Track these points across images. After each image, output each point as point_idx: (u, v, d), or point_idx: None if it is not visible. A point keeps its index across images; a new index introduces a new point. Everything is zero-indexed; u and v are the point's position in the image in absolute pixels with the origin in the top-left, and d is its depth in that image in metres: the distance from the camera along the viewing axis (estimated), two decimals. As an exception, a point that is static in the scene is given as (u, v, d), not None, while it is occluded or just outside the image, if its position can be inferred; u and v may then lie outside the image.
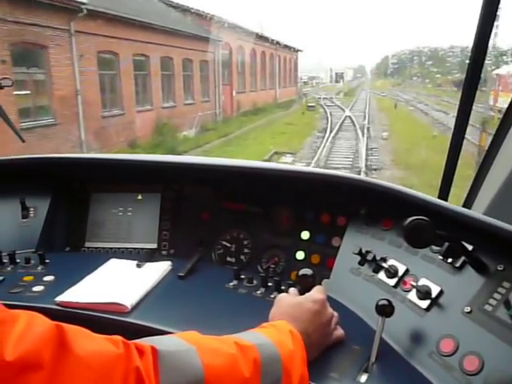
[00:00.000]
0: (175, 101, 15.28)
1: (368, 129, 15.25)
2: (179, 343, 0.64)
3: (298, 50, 32.88)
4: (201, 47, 16.39)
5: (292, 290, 0.95)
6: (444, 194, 1.25)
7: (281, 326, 0.79)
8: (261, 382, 0.68)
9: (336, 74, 55.06)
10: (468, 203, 1.25)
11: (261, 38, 22.41)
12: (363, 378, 0.80)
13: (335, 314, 0.90)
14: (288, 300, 0.88)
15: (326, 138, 13.67)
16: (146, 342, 0.60)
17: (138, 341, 0.59)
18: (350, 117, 18.76)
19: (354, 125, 16.41)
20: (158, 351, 0.58)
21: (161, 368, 0.56)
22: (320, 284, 0.99)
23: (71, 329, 0.52)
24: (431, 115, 18.57)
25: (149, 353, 0.57)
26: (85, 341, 0.52)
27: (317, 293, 0.89)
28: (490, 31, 0.90)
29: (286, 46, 28.68)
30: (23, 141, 1.43)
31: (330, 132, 14.92)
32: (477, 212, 1.14)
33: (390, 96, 32.01)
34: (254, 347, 0.69)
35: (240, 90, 20.73)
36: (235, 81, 20.03)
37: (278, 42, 25.74)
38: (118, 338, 0.57)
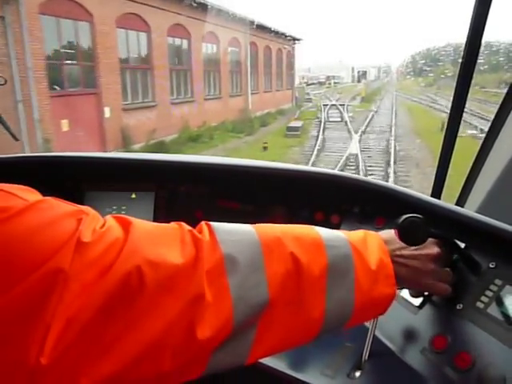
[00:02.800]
0: None
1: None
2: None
3: (296, 39, 22.38)
4: None
5: None
6: (437, 192, 1.25)
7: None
8: (326, 251, 0.64)
9: (358, 72, 50.94)
10: (461, 201, 1.26)
11: (205, 8, 12.48)
12: (356, 374, 0.81)
13: (450, 272, 0.79)
14: None
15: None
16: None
17: None
18: (356, 158, 9.06)
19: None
20: (211, 223, 0.62)
21: (216, 231, 0.59)
22: None
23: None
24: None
25: (203, 223, 0.62)
26: (138, 220, 0.57)
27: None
28: (483, 28, 0.91)
29: (270, 31, 18.13)
30: (17, 139, 1.42)
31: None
32: (470, 210, 1.15)
33: (423, 101, 21.53)
34: (311, 227, 0.68)
35: (135, 102, 11.33)
36: (107, 85, 10.10)
37: (252, 22, 15.74)
38: None
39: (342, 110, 18.79)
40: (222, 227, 0.61)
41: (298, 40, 22.86)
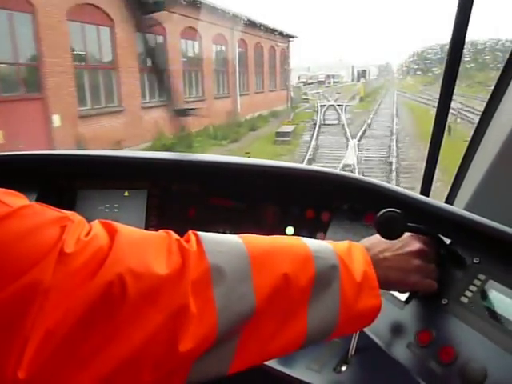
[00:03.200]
0: None
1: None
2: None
3: (290, 37, 21.02)
4: None
5: None
6: (426, 189, 1.27)
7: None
8: (314, 263, 0.64)
9: (358, 71, 49.52)
10: (450, 198, 1.27)
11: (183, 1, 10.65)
12: (342, 368, 0.82)
13: (435, 267, 0.80)
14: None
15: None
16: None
17: None
18: (352, 170, 7.81)
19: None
20: (199, 233, 0.61)
21: (204, 241, 0.59)
22: None
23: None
24: None
25: (190, 233, 0.61)
26: (125, 227, 0.57)
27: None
28: (467, 26, 0.92)
29: (261, 27, 16.53)
30: None
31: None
32: (458, 207, 1.16)
33: (425, 101, 19.69)
34: (299, 238, 0.68)
35: (96, 107, 9.71)
36: (57, 89, 8.59)
37: (239, 18, 14.17)
38: None
39: (339, 111, 17.53)
40: (209, 237, 0.60)
41: (293, 37, 21.44)
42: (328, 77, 45.99)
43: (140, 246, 0.55)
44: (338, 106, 18.92)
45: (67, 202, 1.44)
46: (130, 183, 1.45)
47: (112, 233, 0.54)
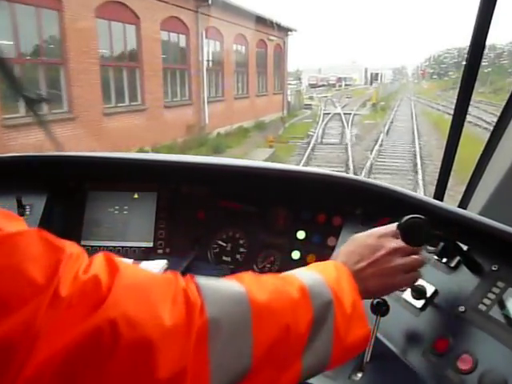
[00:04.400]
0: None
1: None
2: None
3: (289, 30, 17.16)
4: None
5: None
6: (439, 194, 1.25)
7: (324, 262, 0.72)
8: (312, 304, 0.61)
9: (371, 74, 47.77)
10: (464, 203, 1.25)
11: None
12: (358, 376, 0.80)
13: (417, 257, 0.76)
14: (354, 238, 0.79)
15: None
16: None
17: None
18: None
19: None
20: (196, 279, 0.56)
21: (203, 290, 0.54)
22: None
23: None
24: None
25: (189, 279, 0.56)
26: (129, 267, 0.52)
27: (381, 228, 0.78)
28: (487, 31, 0.91)
29: (245, 14, 12.28)
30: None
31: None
32: (472, 212, 1.15)
33: (449, 110, 13.41)
34: (293, 276, 0.65)
35: None
36: None
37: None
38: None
39: (345, 123, 14.18)
40: (209, 286, 0.55)
41: (291, 31, 17.45)
42: (339, 79, 44.59)
43: (142, 290, 0.49)
44: (345, 114, 16.04)
45: (77, 204, 1.44)
46: (139, 185, 1.44)
47: (113, 272, 0.49)
